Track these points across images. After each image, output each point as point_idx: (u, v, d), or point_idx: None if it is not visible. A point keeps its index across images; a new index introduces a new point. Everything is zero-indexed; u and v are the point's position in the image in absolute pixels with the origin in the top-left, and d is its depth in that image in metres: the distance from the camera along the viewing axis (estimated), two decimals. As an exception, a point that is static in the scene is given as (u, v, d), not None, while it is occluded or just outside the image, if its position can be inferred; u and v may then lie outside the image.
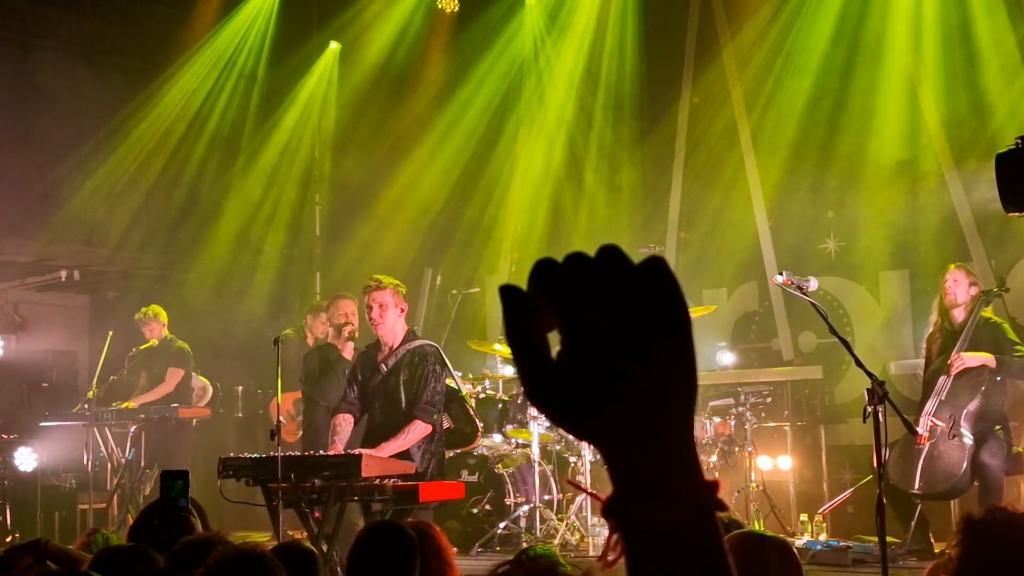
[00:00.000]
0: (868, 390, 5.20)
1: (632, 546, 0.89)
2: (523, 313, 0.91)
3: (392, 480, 6.17)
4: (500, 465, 8.76)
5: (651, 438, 0.88)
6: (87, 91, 11.90)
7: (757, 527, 7.51)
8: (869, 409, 5.18)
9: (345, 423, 6.82)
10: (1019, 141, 4.98)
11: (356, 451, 6.20)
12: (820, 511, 8.41)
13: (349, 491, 6.04)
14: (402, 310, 6.80)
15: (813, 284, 5.73)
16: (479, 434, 7.69)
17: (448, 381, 6.94)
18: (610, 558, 0.91)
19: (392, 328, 6.80)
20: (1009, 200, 4.93)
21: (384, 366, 6.82)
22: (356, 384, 6.94)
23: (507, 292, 0.92)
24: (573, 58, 11.94)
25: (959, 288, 7.46)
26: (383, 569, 3.59)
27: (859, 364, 5.34)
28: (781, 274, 5.72)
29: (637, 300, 0.89)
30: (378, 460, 6.15)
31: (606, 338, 0.88)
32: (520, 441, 8.98)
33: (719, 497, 0.89)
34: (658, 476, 0.88)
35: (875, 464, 5.25)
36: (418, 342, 6.86)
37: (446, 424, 7.02)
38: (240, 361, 11.71)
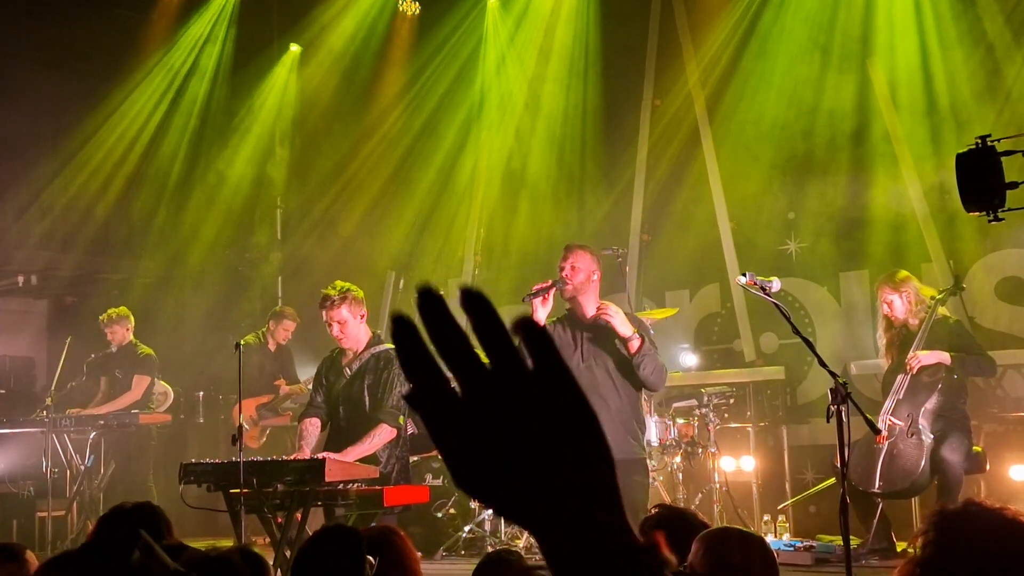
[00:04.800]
0: (831, 389, 5.22)
1: None
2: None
3: (356, 485, 6.13)
4: (464, 468, 8.72)
5: (577, 518, 0.85)
6: (46, 95, 11.77)
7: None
8: (832, 408, 5.21)
9: (312, 427, 6.79)
10: (979, 141, 5.01)
11: (320, 455, 6.15)
12: (779, 507, 8.48)
13: (312, 496, 6.00)
14: (362, 316, 6.76)
15: (776, 285, 5.74)
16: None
17: None
18: None
19: (355, 335, 6.77)
20: (969, 200, 4.96)
21: (348, 370, 6.79)
22: (321, 388, 6.90)
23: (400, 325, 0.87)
24: (535, 61, 11.95)
25: (895, 308, 7.53)
26: (328, 571, 3.54)
27: (822, 364, 5.37)
28: (744, 275, 5.73)
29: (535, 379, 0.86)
30: (342, 465, 6.11)
31: (509, 419, 0.85)
32: (484, 444, 8.95)
33: (663, 557, 0.87)
34: (597, 566, 0.85)
35: (838, 464, 5.28)
36: (383, 346, 6.83)
37: (410, 429, 6.99)
38: (201, 367, 11.60)
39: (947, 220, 9.33)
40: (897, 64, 9.91)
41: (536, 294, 6.24)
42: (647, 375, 6.30)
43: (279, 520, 6.10)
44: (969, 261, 9.29)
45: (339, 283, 6.82)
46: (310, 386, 7.42)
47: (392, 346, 6.18)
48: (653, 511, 3.91)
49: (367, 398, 6.66)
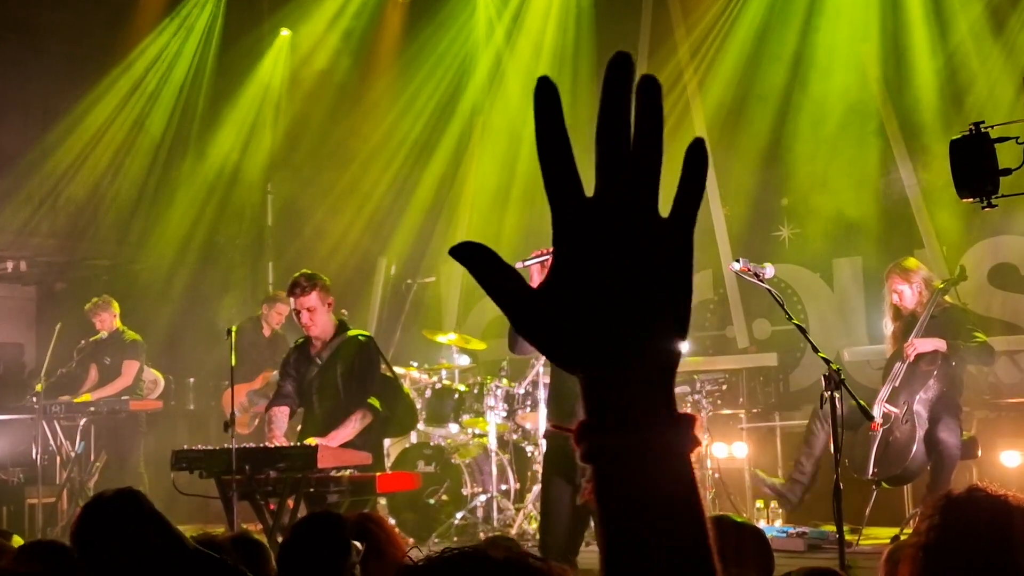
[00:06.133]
0: (825, 376, 5.22)
1: (599, 475, 0.89)
2: (487, 259, 0.93)
3: (349, 471, 6.13)
4: (457, 455, 8.71)
5: (635, 370, 0.88)
6: (34, 80, 11.69)
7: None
8: (826, 395, 5.20)
9: (282, 416, 6.78)
10: (972, 127, 4.99)
11: (312, 442, 6.14)
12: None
13: (305, 483, 5.99)
14: (329, 305, 6.75)
15: (769, 271, 5.72)
16: (418, 420, 7.66)
17: (383, 369, 6.90)
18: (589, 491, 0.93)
19: (323, 323, 6.76)
20: (963, 186, 4.94)
21: (319, 359, 6.78)
22: (291, 378, 6.88)
23: (464, 249, 0.93)
24: (527, 46, 11.89)
25: (905, 297, 7.52)
26: (312, 561, 3.53)
27: (815, 349, 5.36)
28: (738, 261, 5.71)
29: (649, 232, 0.90)
30: (334, 451, 6.11)
31: (605, 264, 0.89)
32: (476, 431, 8.95)
33: (694, 433, 0.90)
34: (631, 407, 0.88)
35: (832, 449, 5.27)
36: (351, 333, 6.83)
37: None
38: (192, 353, 11.57)
39: (940, 206, 9.31)
40: (891, 49, 9.89)
41: (534, 260, 5.65)
42: None
43: (271, 507, 6.08)
44: (962, 248, 9.29)
45: (306, 270, 6.82)
46: None
47: (360, 332, 6.15)
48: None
49: (341, 385, 6.66)
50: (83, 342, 10.18)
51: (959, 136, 5.04)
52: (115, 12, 12.18)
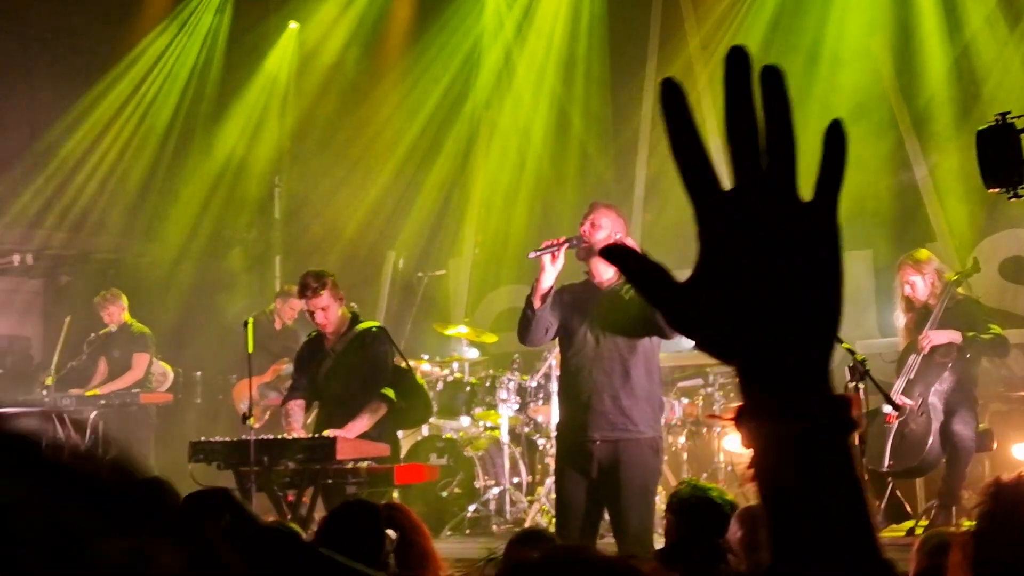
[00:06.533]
0: (849, 367, 5.23)
1: (759, 457, 0.91)
2: (637, 259, 0.95)
3: (366, 463, 6.12)
4: (469, 448, 8.70)
5: (791, 355, 0.90)
6: (41, 73, 11.66)
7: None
8: (850, 386, 5.20)
9: (298, 409, 6.77)
10: (999, 118, 4.98)
11: (331, 433, 6.12)
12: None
13: (323, 474, 5.97)
14: (340, 299, 6.74)
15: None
16: (432, 411, 7.65)
17: (397, 360, 6.88)
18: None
19: (336, 319, 6.74)
20: (990, 177, 4.93)
21: (333, 352, 6.76)
22: (305, 371, 6.86)
23: (615, 251, 0.96)
24: (537, 41, 11.85)
25: (917, 289, 7.50)
26: (347, 551, 3.51)
27: (839, 341, 5.34)
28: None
29: (799, 222, 0.92)
30: (352, 443, 6.10)
31: (754, 254, 0.90)
32: (488, 424, 8.93)
33: (852, 414, 0.90)
34: (790, 392, 0.89)
35: (856, 440, 5.27)
36: (365, 325, 6.81)
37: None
38: (199, 346, 11.54)
39: (952, 199, 9.30)
40: (903, 40, 9.86)
41: (545, 250, 5.36)
42: None
43: (289, 498, 6.07)
44: (974, 240, 9.28)
45: (312, 269, 6.80)
46: None
47: (373, 323, 6.15)
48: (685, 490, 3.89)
49: (356, 377, 6.64)
50: (92, 336, 10.16)
51: (985, 127, 5.03)
52: (123, 4, 12.15)
